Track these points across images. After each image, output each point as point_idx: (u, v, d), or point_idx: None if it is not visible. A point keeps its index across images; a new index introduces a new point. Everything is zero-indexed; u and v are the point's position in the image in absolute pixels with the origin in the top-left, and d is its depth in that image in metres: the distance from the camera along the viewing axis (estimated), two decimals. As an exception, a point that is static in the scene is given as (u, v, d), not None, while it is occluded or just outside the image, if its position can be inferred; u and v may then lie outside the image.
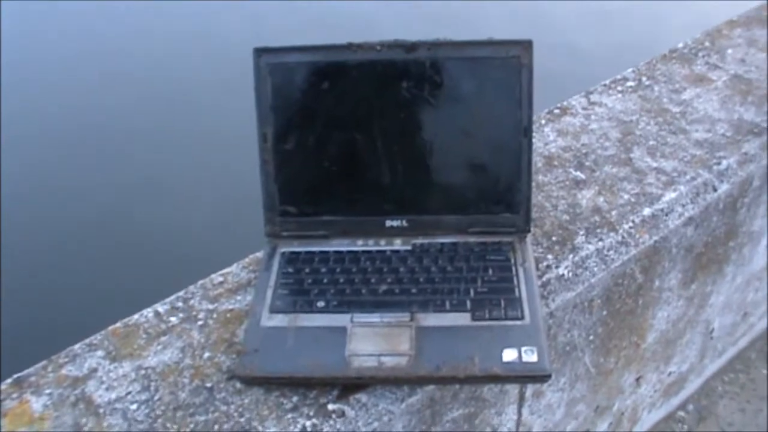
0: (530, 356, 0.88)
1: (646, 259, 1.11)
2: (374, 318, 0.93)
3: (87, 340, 0.98)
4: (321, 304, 0.96)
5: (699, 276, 1.29)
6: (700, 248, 1.23)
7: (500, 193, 1.03)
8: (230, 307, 1.01)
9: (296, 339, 0.92)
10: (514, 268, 0.99)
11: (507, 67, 0.99)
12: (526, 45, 0.98)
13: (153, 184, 3.36)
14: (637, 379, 1.33)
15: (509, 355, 0.88)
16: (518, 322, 0.92)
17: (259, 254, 1.08)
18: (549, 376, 0.87)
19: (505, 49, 0.98)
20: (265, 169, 1.04)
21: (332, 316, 0.94)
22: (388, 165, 1.03)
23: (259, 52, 1.01)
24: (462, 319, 0.92)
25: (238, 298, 1.03)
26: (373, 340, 0.91)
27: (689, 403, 1.58)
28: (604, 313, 1.11)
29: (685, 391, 1.54)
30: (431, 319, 0.93)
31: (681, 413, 1.57)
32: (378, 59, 1.00)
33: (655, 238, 1.10)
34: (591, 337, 1.12)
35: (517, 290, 0.96)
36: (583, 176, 1.17)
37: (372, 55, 1.00)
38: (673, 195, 1.13)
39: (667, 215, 1.12)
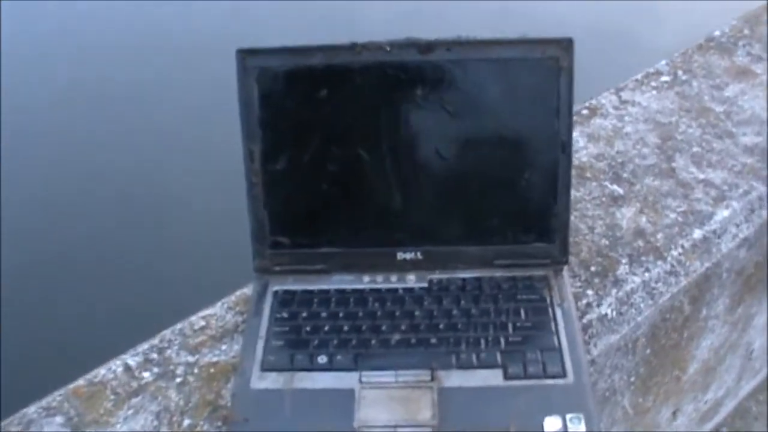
0: (577, 425, 0.73)
1: (696, 289, 0.96)
2: (387, 377, 0.78)
3: (44, 402, 0.82)
4: (323, 359, 0.80)
5: (746, 299, 1.15)
6: (750, 270, 1.09)
7: (532, 218, 0.88)
8: (214, 359, 0.86)
9: (294, 405, 0.76)
10: (550, 310, 0.84)
11: (542, 70, 0.83)
12: (566, 44, 0.82)
13: (124, 206, 2.92)
14: (674, 413, 1.19)
15: (552, 424, 0.73)
16: (560, 381, 0.77)
17: (248, 291, 0.92)
18: (602, 452, 0.72)
19: (540, 49, 0.82)
20: (253, 193, 0.88)
21: (337, 375, 0.79)
22: (398, 187, 0.87)
23: (244, 53, 0.85)
24: (493, 377, 0.77)
25: (223, 347, 0.87)
26: (387, 406, 0.75)
27: (723, 427, 1.44)
28: (648, 351, 0.96)
29: (719, 415, 1.41)
30: (456, 378, 0.77)
31: (715, 439, 1.43)
32: (387, 62, 0.84)
33: (707, 264, 0.95)
34: (632, 379, 0.98)
35: (555, 338, 0.80)
36: (621, 191, 1.02)
37: (380, 57, 0.84)
38: (725, 213, 0.98)
39: (719, 237, 0.97)
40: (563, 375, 0.77)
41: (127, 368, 0.85)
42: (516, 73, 0.83)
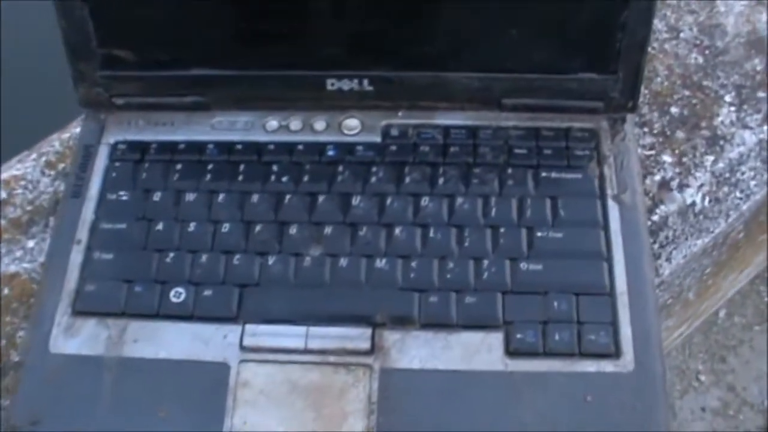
0: (637, 464, 0.38)
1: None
2: (291, 338, 0.42)
3: None
4: (179, 295, 0.44)
5: None
6: None
7: (580, 28, 0.47)
8: (12, 267, 0.50)
9: (117, 391, 0.42)
10: (599, 206, 0.46)
11: None
12: None
13: None
14: (741, 270, 0.85)
15: (589, 458, 0.39)
16: (609, 366, 0.41)
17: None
18: None
19: None
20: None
21: (202, 331, 0.43)
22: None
23: None
24: (484, 350, 0.42)
25: (30, 245, 0.51)
26: (284, 406, 0.41)
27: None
28: (741, 236, 0.59)
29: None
30: (415, 347, 0.42)
31: None
32: None
33: None
34: (707, 270, 0.62)
35: (605, 271, 0.43)
36: (729, -40, 0.59)
37: None
38: None
39: None
40: (615, 353, 0.41)
41: None
42: None
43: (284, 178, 0.48)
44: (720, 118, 0.52)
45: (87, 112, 0.52)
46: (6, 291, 0.49)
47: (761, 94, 0.53)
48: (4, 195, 0.53)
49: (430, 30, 0.48)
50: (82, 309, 0.44)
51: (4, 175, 0.54)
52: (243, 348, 0.42)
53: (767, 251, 0.89)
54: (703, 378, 1.06)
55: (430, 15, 0.47)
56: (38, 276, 0.49)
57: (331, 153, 0.49)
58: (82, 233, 0.47)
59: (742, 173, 0.51)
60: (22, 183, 0.53)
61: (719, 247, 0.56)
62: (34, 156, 0.55)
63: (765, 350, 1.08)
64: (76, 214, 0.48)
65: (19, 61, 0.92)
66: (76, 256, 0.46)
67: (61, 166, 0.54)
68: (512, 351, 0.41)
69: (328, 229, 0.46)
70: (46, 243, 0.50)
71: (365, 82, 0.49)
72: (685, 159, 0.50)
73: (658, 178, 0.50)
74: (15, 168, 0.54)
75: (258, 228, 0.46)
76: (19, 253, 0.50)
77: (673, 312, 0.68)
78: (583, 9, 0.46)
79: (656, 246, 0.48)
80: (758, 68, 0.54)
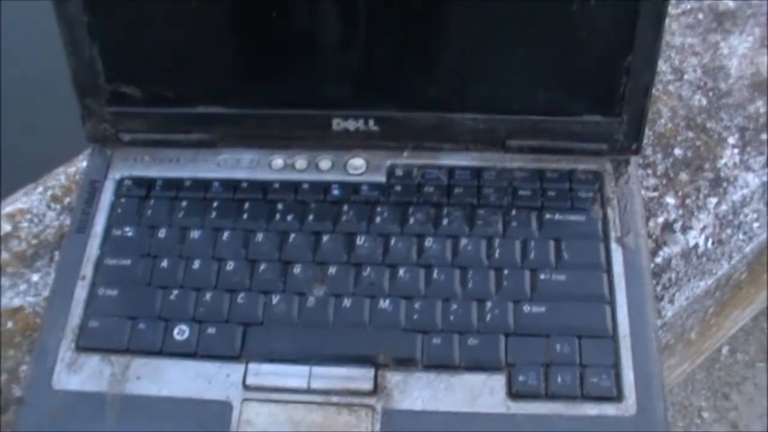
0: None
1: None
2: (294, 378, 0.43)
3: None
4: (182, 333, 0.45)
5: None
6: None
7: (585, 70, 0.48)
8: (15, 301, 0.50)
9: (120, 429, 0.42)
10: (602, 249, 0.46)
11: None
12: None
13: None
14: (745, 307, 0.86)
15: (591, 504, 0.39)
16: (611, 409, 0.41)
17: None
18: None
19: None
20: (65, 9, 0.47)
21: (204, 369, 0.44)
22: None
23: None
24: (486, 391, 0.42)
25: (35, 278, 0.51)
26: (287, 446, 0.41)
27: None
28: (743, 277, 0.60)
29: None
30: (418, 388, 0.42)
31: None
32: None
33: None
34: (710, 310, 0.62)
35: (608, 315, 0.44)
36: (731, 4, 0.60)
37: None
38: None
39: None
40: (617, 397, 0.41)
41: None
42: None
43: (289, 217, 0.49)
44: (723, 160, 0.53)
45: (94, 147, 0.53)
46: (9, 324, 0.49)
47: (764, 137, 0.54)
48: (9, 228, 0.53)
49: (436, 71, 0.49)
50: (85, 345, 0.45)
51: (10, 208, 0.54)
52: (246, 387, 0.43)
53: (770, 289, 0.89)
54: (705, 415, 1.06)
55: (435, 56, 0.48)
56: (42, 310, 0.49)
57: (336, 192, 0.50)
58: (87, 269, 0.48)
59: (745, 215, 0.51)
60: (28, 216, 0.54)
61: (722, 288, 0.56)
62: (40, 189, 0.55)
63: (768, 388, 1.08)
64: (81, 250, 0.48)
65: (26, 94, 0.93)
66: (81, 292, 0.47)
67: (66, 200, 0.54)
68: (514, 393, 0.42)
69: (332, 269, 0.46)
70: (50, 277, 0.51)
71: (371, 122, 0.50)
72: (688, 201, 0.51)
73: (661, 220, 0.50)
74: (21, 201, 0.55)
75: (262, 266, 0.47)
76: (23, 287, 0.51)
77: (675, 351, 0.69)
78: (588, 52, 0.47)
79: (659, 288, 0.49)
80: (762, 110, 0.55)
